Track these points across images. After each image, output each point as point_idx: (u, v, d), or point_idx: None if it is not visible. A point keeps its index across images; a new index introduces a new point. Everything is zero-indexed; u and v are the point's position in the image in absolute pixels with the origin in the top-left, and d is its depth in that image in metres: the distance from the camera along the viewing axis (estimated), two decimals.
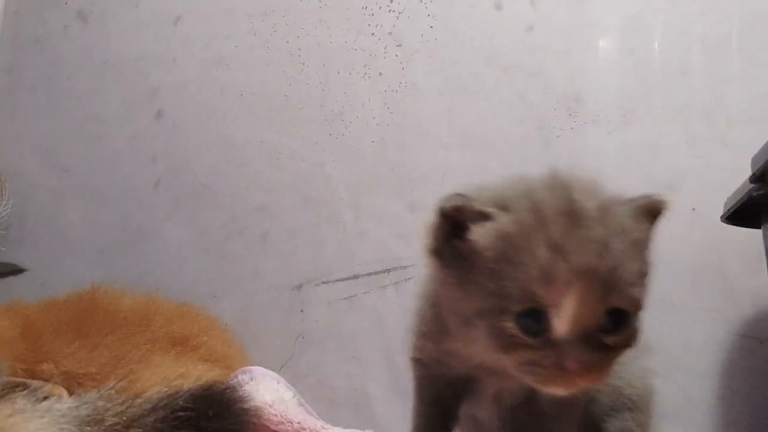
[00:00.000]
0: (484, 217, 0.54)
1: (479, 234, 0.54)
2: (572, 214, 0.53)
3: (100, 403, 0.57)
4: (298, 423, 0.90)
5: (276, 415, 0.90)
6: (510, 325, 0.52)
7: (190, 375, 0.94)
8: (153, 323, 0.99)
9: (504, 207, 0.55)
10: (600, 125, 1.11)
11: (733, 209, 0.85)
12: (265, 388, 0.94)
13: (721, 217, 0.91)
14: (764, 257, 0.84)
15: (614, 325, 0.52)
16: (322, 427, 0.91)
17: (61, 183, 1.34)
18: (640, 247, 0.55)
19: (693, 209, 1.05)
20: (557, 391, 0.54)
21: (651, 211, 0.57)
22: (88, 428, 0.54)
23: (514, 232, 0.53)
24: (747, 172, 0.80)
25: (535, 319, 0.52)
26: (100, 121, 1.34)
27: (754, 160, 0.78)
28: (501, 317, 0.52)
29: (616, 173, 1.09)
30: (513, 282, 0.52)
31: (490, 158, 1.15)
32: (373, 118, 1.21)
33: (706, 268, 1.02)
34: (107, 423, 0.55)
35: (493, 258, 0.53)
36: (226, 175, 1.24)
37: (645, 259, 0.55)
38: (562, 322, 0.51)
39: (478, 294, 0.54)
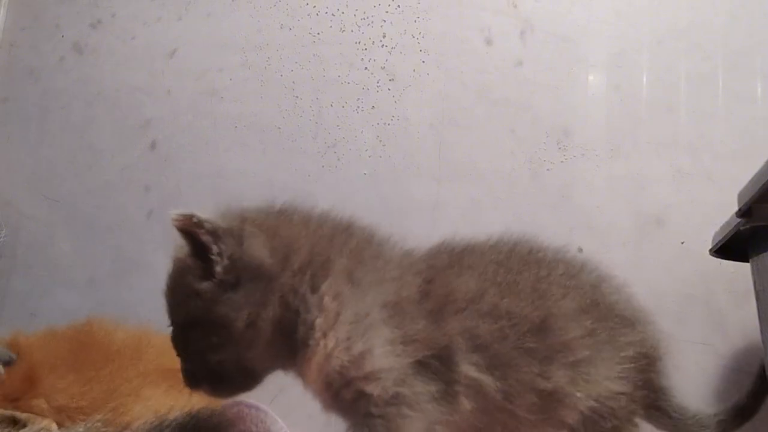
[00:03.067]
0: None
1: None
2: None
3: None
4: None
5: None
6: None
7: (179, 407, 0.93)
8: (145, 356, 0.98)
9: None
10: (588, 159, 1.13)
11: (721, 243, 0.87)
12: (252, 421, 0.93)
13: (710, 250, 0.92)
14: (753, 291, 0.84)
15: None
16: None
17: (53, 213, 1.34)
18: (175, 271, 0.70)
19: (681, 243, 1.06)
20: None
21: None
22: None
23: None
24: (733, 206, 0.81)
25: None
26: (93, 151, 1.35)
27: (741, 195, 0.79)
28: None
29: (605, 206, 1.10)
30: None
31: (481, 191, 1.16)
32: (366, 150, 1.22)
33: (695, 301, 1.03)
34: None
35: None
36: (219, 206, 1.24)
37: (178, 281, 0.68)
38: None
39: None
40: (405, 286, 0.68)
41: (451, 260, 0.72)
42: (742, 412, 0.79)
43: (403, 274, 0.69)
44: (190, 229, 0.65)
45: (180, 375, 0.99)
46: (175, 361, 1.01)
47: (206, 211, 0.67)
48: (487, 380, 0.66)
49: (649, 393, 0.75)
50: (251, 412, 0.96)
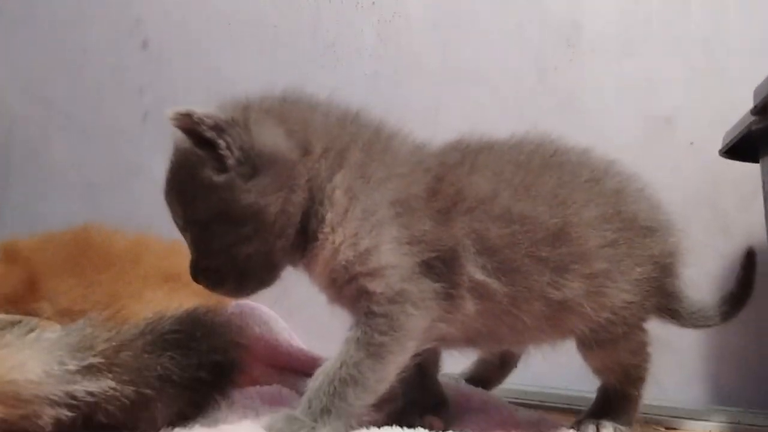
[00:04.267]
0: None
1: None
2: None
3: (89, 330, 0.57)
4: (290, 354, 0.91)
5: (267, 347, 0.91)
6: None
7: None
8: (145, 260, 0.99)
9: None
10: (598, 57, 1.09)
11: (732, 143, 0.84)
12: (255, 321, 0.94)
13: (719, 151, 0.90)
14: (759, 193, 0.83)
15: None
16: (314, 357, 0.92)
17: (46, 116, 1.31)
18: (178, 167, 0.66)
19: (691, 143, 1.04)
20: None
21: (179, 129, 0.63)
22: (80, 354, 0.54)
23: None
24: (746, 106, 0.78)
25: None
26: (83, 51, 1.30)
27: (757, 91, 0.76)
28: None
29: (614, 107, 1.07)
30: None
31: (485, 93, 1.13)
32: (366, 49, 1.18)
33: (701, 202, 1.02)
34: (98, 348, 0.56)
35: None
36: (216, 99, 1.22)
37: (185, 176, 0.65)
38: None
39: None
40: (414, 183, 0.65)
41: (464, 158, 0.69)
42: (738, 298, 0.78)
43: (413, 170, 0.67)
44: (191, 128, 0.62)
45: (183, 277, 1.00)
46: (174, 265, 1.01)
47: (203, 104, 0.63)
48: (494, 284, 0.64)
49: (661, 299, 0.74)
50: (254, 312, 0.96)
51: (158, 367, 0.58)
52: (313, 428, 0.58)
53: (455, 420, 0.74)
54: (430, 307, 0.63)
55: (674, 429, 0.94)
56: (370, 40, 1.17)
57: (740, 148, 0.86)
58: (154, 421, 0.58)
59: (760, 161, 0.84)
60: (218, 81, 1.22)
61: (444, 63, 1.16)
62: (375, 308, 0.61)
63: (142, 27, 1.27)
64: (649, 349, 0.75)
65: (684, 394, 1.01)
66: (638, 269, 0.69)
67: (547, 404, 1.00)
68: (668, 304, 0.75)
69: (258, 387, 0.86)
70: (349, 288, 0.63)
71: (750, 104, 0.77)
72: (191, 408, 0.61)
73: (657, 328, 0.97)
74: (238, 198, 0.62)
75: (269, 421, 0.59)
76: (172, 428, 0.59)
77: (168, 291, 0.96)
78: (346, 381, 0.59)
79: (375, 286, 0.61)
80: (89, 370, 0.54)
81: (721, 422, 0.96)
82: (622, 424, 0.73)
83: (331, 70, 1.18)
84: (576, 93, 1.09)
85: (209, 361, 0.61)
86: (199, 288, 1.01)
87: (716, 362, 1.02)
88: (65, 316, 0.91)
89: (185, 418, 0.61)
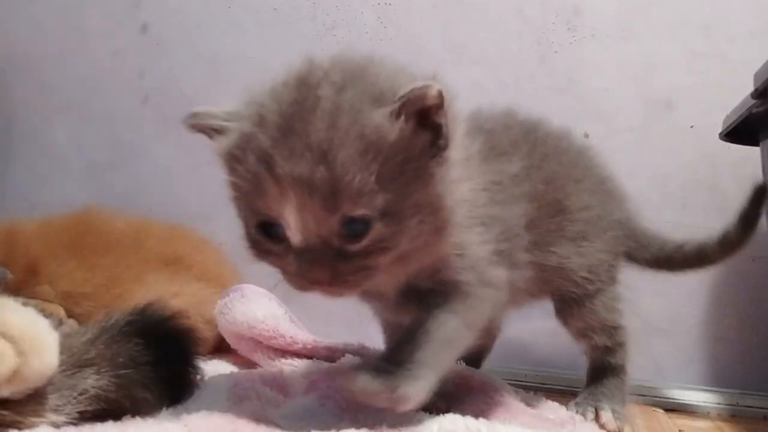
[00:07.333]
0: (218, 131, 0.54)
1: (217, 149, 0.54)
2: (291, 118, 0.51)
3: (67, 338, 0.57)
4: (291, 337, 0.92)
5: (268, 330, 0.91)
6: (255, 233, 0.54)
7: (184, 293, 0.95)
8: (146, 244, 0.99)
9: (237, 117, 0.54)
10: (598, 40, 1.09)
11: (733, 126, 0.85)
12: (257, 305, 0.95)
13: (720, 134, 0.90)
14: (759, 176, 0.83)
15: (355, 232, 0.51)
16: (314, 340, 0.92)
17: (47, 100, 1.31)
18: (390, 150, 0.51)
19: (690, 127, 1.04)
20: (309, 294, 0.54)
21: (415, 108, 0.52)
22: (64, 356, 0.54)
23: (233, 143, 0.53)
24: (747, 89, 0.78)
25: (273, 228, 0.53)
26: (82, 35, 1.30)
27: (757, 75, 0.76)
28: (251, 226, 0.55)
29: (614, 90, 1.07)
30: (243, 194, 0.53)
31: (486, 75, 1.13)
32: (366, 32, 1.17)
33: (701, 185, 1.02)
34: (81, 354, 0.56)
35: (229, 170, 0.54)
36: (215, 92, 1.21)
37: (397, 162, 0.51)
38: (292, 232, 0.52)
39: (238, 204, 0.56)
40: (489, 170, 0.64)
41: (512, 141, 0.71)
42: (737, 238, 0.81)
43: (481, 156, 0.64)
44: (427, 109, 0.52)
45: (184, 261, 1.01)
46: (176, 249, 1.02)
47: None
48: (527, 258, 0.69)
49: (626, 260, 0.82)
50: (256, 296, 0.97)
51: (129, 351, 0.59)
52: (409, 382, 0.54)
53: (455, 401, 0.75)
54: (505, 290, 0.64)
55: (673, 411, 0.95)
56: (369, 23, 1.17)
57: (740, 132, 0.86)
58: (149, 401, 0.58)
59: (760, 144, 0.84)
60: (217, 65, 1.22)
61: (444, 45, 1.15)
62: (469, 289, 0.60)
63: (141, 11, 1.26)
64: (622, 318, 0.79)
65: (682, 377, 1.02)
66: (609, 228, 0.77)
67: (546, 387, 1.01)
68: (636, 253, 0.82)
69: (260, 369, 0.86)
70: (432, 281, 0.59)
71: (750, 87, 0.77)
72: (173, 385, 0.62)
73: (655, 312, 0.99)
74: (434, 188, 0.54)
75: (354, 373, 0.54)
76: (175, 408, 0.59)
77: (169, 275, 0.96)
78: (450, 353, 0.60)
79: (466, 276, 0.60)
80: (75, 369, 0.55)
81: (720, 404, 0.96)
82: (616, 404, 0.76)
83: (332, 53, 1.17)
84: (576, 76, 1.09)
85: (171, 340, 0.63)
86: (200, 272, 1.02)
87: (714, 344, 1.03)
88: (68, 298, 0.91)
89: (177, 399, 0.62)
